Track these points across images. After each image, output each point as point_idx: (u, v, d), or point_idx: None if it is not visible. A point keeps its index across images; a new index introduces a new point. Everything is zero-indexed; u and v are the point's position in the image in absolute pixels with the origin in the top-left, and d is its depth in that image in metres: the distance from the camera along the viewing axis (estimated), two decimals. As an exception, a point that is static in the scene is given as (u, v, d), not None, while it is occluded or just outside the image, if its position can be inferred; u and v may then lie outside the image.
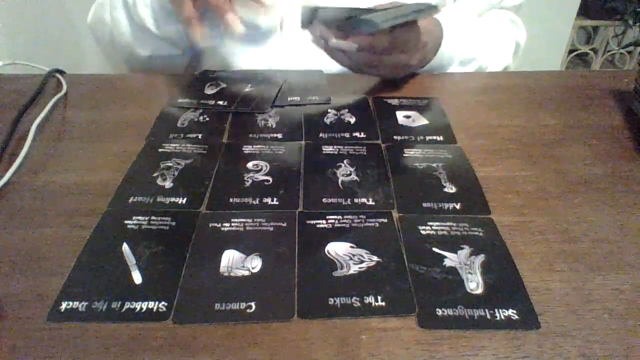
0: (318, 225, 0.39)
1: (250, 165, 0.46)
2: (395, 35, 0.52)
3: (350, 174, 0.45)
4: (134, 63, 0.70)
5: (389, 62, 0.55)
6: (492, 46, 0.70)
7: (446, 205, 0.41)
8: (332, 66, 0.59)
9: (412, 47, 0.55)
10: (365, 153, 0.48)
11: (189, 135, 0.51)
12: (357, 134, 0.51)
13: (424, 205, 0.41)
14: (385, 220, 0.40)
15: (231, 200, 0.42)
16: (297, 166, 0.46)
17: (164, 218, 0.39)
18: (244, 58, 0.67)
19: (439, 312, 0.32)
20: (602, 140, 0.51)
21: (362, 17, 0.49)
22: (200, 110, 0.55)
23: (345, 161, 0.47)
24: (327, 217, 0.40)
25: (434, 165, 0.46)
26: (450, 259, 0.36)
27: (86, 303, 0.32)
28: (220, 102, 0.56)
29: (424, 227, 0.39)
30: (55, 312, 0.32)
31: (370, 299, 0.33)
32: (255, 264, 0.35)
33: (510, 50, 0.73)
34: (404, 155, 0.48)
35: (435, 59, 0.62)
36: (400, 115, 0.55)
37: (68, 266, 0.35)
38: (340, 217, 0.40)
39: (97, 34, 0.71)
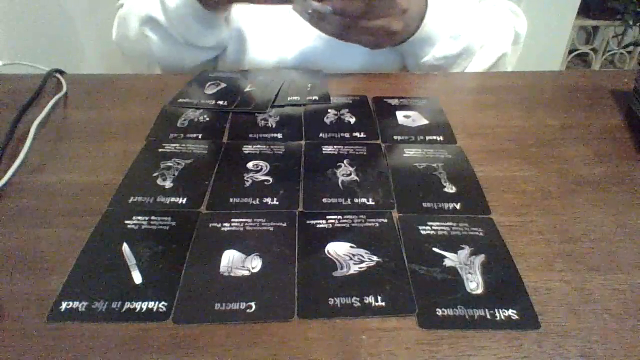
0: (318, 225, 0.39)
1: (250, 165, 0.46)
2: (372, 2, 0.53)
3: (350, 174, 0.45)
4: (166, 69, 0.71)
5: (368, 26, 0.56)
6: (486, 27, 0.68)
7: (446, 205, 0.41)
8: (333, 65, 0.59)
9: (389, 12, 0.56)
10: (365, 153, 0.48)
11: (189, 135, 0.51)
12: (357, 134, 0.52)
13: (424, 205, 0.41)
14: (385, 220, 0.40)
15: (231, 200, 0.42)
16: (297, 166, 0.46)
17: (164, 218, 0.39)
18: (259, 43, 0.68)
19: (439, 312, 0.32)
20: (602, 140, 0.51)
21: None
22: (201, 110, 0.55)
23: (345, 161, 0.47)
24: (327, 217, 0.40)
25: (434, 165, 0.46)
26: (450, 259, 0.36)
27: (86, 303, 0.32)
28: (221, 102, 0.56)
29: (424, 227, 0.39)
30: (55, 312, 0.32)
31: (370, 299, 0.33)
32: (255, 264, 0.35)
33: (507, 38, 0.71)
34: (404, 155, 0.48)
35: (421, 30, 0.60)
36: (400, 115, 0.55)
37: (68, 266, 0.35)
38: (340, 217, 0.40)
39: (124, 49, 0.72)
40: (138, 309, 0.32)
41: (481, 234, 0.38)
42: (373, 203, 0.42)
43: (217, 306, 0.32)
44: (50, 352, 0.30)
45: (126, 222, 0.39)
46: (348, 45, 0.60)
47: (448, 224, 0.39)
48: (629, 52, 2.25)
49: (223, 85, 0.60)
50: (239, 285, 0.34)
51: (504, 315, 0.32)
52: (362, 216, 0.40)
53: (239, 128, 0.53)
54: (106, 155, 0.48)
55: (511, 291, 0.34)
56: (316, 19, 0.57)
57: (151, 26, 0.65)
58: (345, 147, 0.49)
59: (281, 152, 0.48)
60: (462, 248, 0.37)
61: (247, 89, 0.59)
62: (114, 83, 0.62)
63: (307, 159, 0.47)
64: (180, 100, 0.57)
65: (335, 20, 0.56)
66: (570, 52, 2.16)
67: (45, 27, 1.27)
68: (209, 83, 0.61)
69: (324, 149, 0.49)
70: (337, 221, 0.39)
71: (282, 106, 0.56)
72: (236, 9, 0.62)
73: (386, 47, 0.62)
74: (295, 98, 0.57)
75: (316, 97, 0.57)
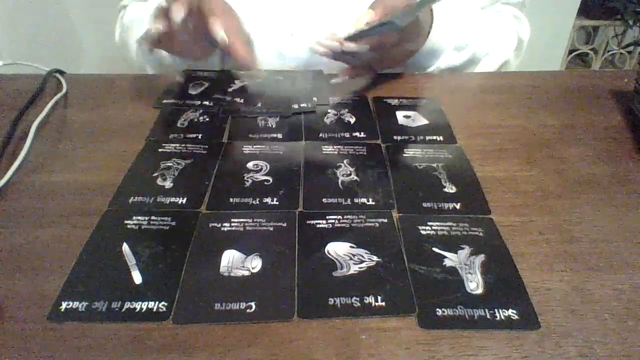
0: (318, 225, 0.39)
1: (250, 165, 0.46)
2: (398, 32, 0.53)
3: (350, 174, 0.45)
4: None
5: (397, 53, 0.57)
6: (490, 36, 0.69)
7: (446, 205, 0.41)
8: (334, 64, 0.59)
9: (415, 35, 0.57)
10: (365, 153, 0.48)
11: (189, 135, 0.51)
12: (357, 134, 0.52)
13: (424, 205, 0.41)
14: (385, 220, 0.40)
15: (231, 200, 0.42)
16: (297, 166, 0.46)
17: (164, 218, 0.39)
18: (260, 43, 0.67)
19: (439, 312, 0.32)
20: (602, 140, 0.51)
21: (381, 21, 0.50)
22: (201, 110, 0.55)
23: (345, 161, 0.47)
24: (327, 217, 0.40)
25: (434, 165, 0.46)
26: (450, 259, 0.36)
27: (86, 303, 0.32)
28: (206, 103, 0.56)
29: (424, 227, 0.39)
30: (55, 312, 0.32)
31: (370, 299, 0.33)
32: (255, 264, 0.35)
33: (510, 44, 0.72)
34: (404, 155, 0.48)
35: (427, 43, 0.61)
36: (400, 115, 0.55)
37: (68, 266, 0.35)
38: (340, 217, 0.40)
39: (123, 52, 0.73)
40: (138, 309, 0.32)
41: (481, 234, 0.38)
42: (373, 203, 0.42)
43: (217, 306, 0.32)
44: (50, 352, 0.30)
45: (126, 222, 0.39)
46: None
47: (448, 224, 0.39)
48: (629, 52, 2.25)
49: (206, 85, 0.60)
50: (239, 285, 0.34)
51: (504, 315, 0.32)
52: (362, 216, 0.40)
53: (239, 128, 0.53)
54: (106, 155, 0.48)
55: (511, 291, 0.34)
56: (345, 57, 0.56)
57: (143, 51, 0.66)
58: (345, 147, 0.49)
59: (281, 152, 0.48)
60: (462, 248, 0.37)
61: (232, 88, 0.59)
62: (114, 83, 0.62)
63: (307, 159, 0.47)
64: (165, 101, 0.57)
65: (369, 55, 0.55)
66: (570, 52, 2.16)
67: (45, 27, 1.27)
68: (192, 83, 0.60)
69: (324, 149, 0.49)
70: (337, 221, 0.39)
71: (288, 116, 0.55)
72: (236, 8, 0.62)
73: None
74: (304, 105, 0.56)
75: (302, 105, 0.56)
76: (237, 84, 0.60)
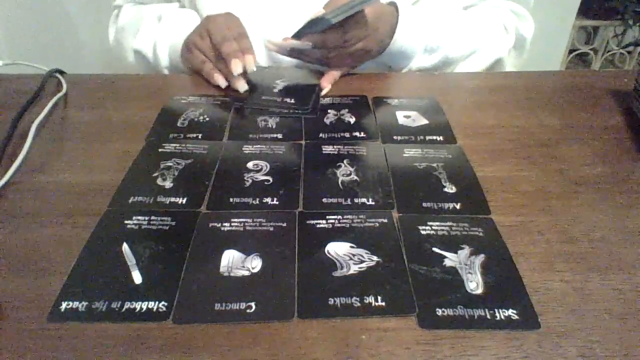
0: (318, 225, 0.39)
1: (250, 165, 0.46)
2: (345, 29, 0.56)
3: (350, 174, 0.45)
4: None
5: (347, 52, 0.59)
6: (473, 35, 0.67)
7: (446, 205, 0.41)
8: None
9: (364, 34, 0.58)
10: (365, 153, 0.48)
11: (189, 135, 0.51)
12: (357, 134, 0.51)
13: (424, 205, 0.41)
14: (385, 220, 0.40)
15: (231, 200, 0.42)
16: (297, 166, 0.46)
17: (164, 218, 0.39)
18: (256, 43, 0.68)
19: (439, 312, 0.32)
20: (602, 140, 0.51)
21: (314, 18, 0.53)
22: (201, 110, 0.55)
23: (345, 161, 0.47)
24: (327, 217, 0.40)
25: (434, 165, 0.46)
26: (450, 259, 0.36)
27: (86, 303, 0.32)
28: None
29: (424, 227, 0.39)
30: (55, 312, 0.32)
31: (370, 299, 0.33)
32: (255, 264, 0.35)
33: (504, 42, 0.70)
34: (404, 155, 0.48)
35: (393, 45, 0.61)
36: (400, 115, 0.55)
37: (68, 266, 0.35)
38: (340, 217, 0.40)
39: (117, 54, 0.74)
40: (138, 309, 0.32)
41: (481, 234, 0.38)
42: (373, 203, 0.42)
43: (217, 306, 0.32)
44: (50, 352, 0.30)
45: (126, 222, 0.39)
46: None
47: (448, 224, 0.39)
48: (629, 52, 2.25)
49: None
50: (239, 285, 0.34)
51: (504, 315, 0.32)
52: (362, 216, 0.40)
53: (239, 128, 0.53)
54: (106, 155, 0.48)
55: (511, 291, 0.34)
56: (297, 54, 0.60)
57: (142, 59, 0.69)
58: (345, 147, 0.49)
59: (281, 152, 0.48)
60: (462, 248, 0.37)
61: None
62: (114, 83, 0.62)
63: (307, 159, 0.47)
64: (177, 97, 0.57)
65: (316, 53, 0.59)
66: (570, 52, 2.16)
67: (45, 27, 1.27)
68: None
69: (324, 149, 0.49)
70: (337, 221, 0.39)
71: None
72: (234, 10, 0.62)
73: (364, 63, 0.64)
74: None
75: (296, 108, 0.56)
76: (279, 84, 0.60)
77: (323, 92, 0.59)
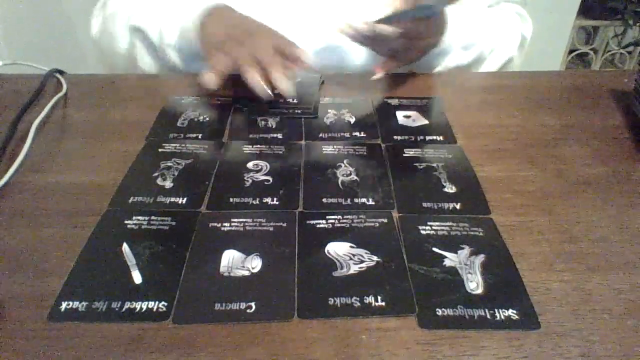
0: (318, 225, 0.39)
1: (250, 165, 0.46)
2: (429, 22, 0.55)
3: (350, 174, 0.45)
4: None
5: (421, 45, 0.58)
6: (495, 34, 0.69)
7: (446, 205, 0.41)
8: (334, 64, 0.59)
9: (436, 31, 0.58)
10: (365, 153, 0.48)
11: (189, 135, 0.51)
12: (357, 134, 0.51)
13: (424, 205, 0.41)
14: (385, 220, 0.40)
15: (231, 200, 0.42)
16: (297, 166, 0.46)
17: (164, 218, 0.39)
18: None
19: (439, 312, 0.32)
20: (602, 140, 0.51)
21: (422, 4, 0.51)
22: (201, 110, 0.55)
23: (345, 161, 0.47)
24: (327, 217, 0.40)
25: (434, 165, 0.46)
26: (450, 259, 0.36)
27: (86, 303, 0.32)
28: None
29: (424, 227, 0.39)
30: (55, 312, 0.32)
31: (370, 299, 0.33)
32: (255, 264, 0.35)
33: (515, 42, 0.72)
34: (404, 155, 0.48)
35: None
36: (400, 115, 0.55)
37: (68, 266, 0.35)
38: (340, 217, 0.40)
39: (104, 45, 0.70)
40: (138, 309, 0.32)
41: (481, 234, 0.38)
42: (373, 203, 0.42)
43: (217, 306, 0.32)
44: (50, 352, 0.30)
45: (126, 222, 0.39)
46: (349, 45, 0.60)
47: (448, 224, 0.39)
48: (629, 52, 2.25)
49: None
50: (239, 285, 0.34)
51: (504, 315, 0.32)
52: (362, 216, 0.40)
53: (239, 128, 0.53)
54: (106, 155, 0.48)
55: (511, 291, 0.34)
56: (370, 41, 0.56)
57: (148, 52, 0.65)
58: (345, 147, 0.49)
59: (281, 152, 0.48)
60: (462, 248, 0.37)
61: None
62: (114, 83, 0.62)
63: (307, 159, 0.47)
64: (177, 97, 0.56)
65: (398, 43, 0.56)
66: (570, 52, 2.16)
67: (45, 27, 1.27)
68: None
69: (324, 149, 0.49)
70: (337, 221, 0.39)
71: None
72: (238, 8, 0.62)
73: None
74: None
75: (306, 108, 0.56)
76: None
77: (374, 77, 0.57)
